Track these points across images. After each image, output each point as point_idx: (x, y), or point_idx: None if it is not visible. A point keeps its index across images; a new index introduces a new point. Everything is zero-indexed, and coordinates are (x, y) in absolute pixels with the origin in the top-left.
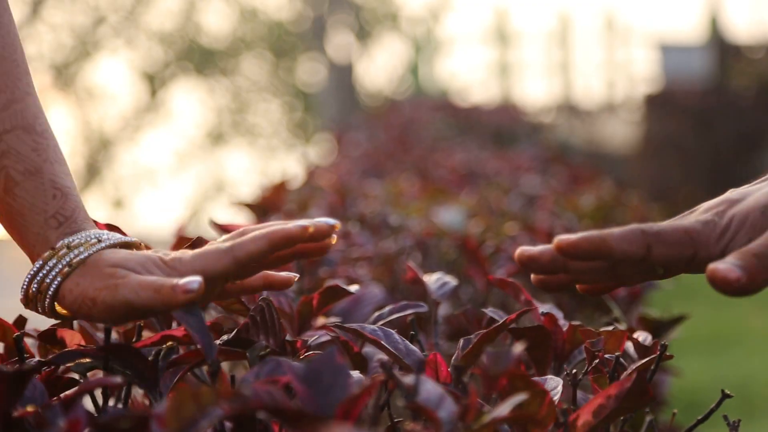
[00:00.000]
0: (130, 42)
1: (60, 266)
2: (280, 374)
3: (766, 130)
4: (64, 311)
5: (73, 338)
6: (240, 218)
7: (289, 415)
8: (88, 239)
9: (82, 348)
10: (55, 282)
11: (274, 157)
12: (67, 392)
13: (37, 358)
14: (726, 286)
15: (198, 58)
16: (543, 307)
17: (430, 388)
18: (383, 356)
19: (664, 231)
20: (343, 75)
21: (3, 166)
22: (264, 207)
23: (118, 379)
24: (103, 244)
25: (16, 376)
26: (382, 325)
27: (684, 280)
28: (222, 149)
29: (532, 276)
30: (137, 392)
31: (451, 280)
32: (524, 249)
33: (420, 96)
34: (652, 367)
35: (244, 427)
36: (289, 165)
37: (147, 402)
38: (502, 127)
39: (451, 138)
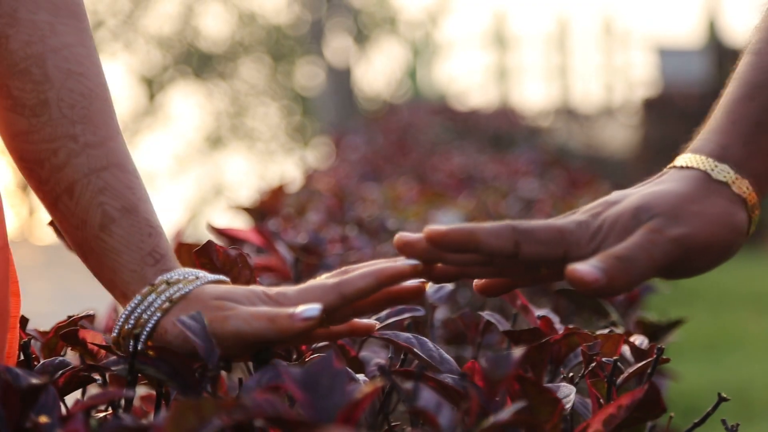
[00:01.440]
0: (129, 46)
1: (159, 301)
2: (282, 381)
3: None
4: (155, 348)
5: (95, 338)
6: (238, 222)
7: (290, 424)
8: (187, 276)
9: (122, 354)
10: (155, 317)
11: (273, 160)
12: (76, 406)
13: (78, 360)
14: (584, 287)
15: (196, 61)
16: (539, 311)
17: (428, 395)
18: (380, 360)
19: (535, 229)
20: (341, 79)
21: (100, 203)
22: (262, 211)
23: (130, 392)
24: (201, 281)
25: (30, 390)
26: (379, 329)
27: (682, 285)
28: (220, 153)
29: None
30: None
31: (448, 284)
32: (402, 235)
33: (418, 100)
34: (649, 371)
35: None
36: (288, 169)
37: (146, 409)
38: (500, 130)
39: (450, 142)
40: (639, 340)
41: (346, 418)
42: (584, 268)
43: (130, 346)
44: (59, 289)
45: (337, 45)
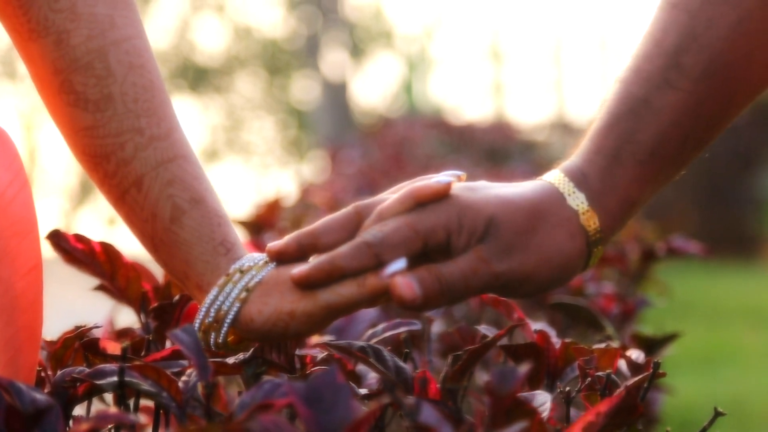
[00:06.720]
0: None
1: (236, 291)
2: (279, 396)
3: (761, 148)
4: (236, 341)
5: (115, 349)
6: None
7: None
8: (257, 261)
9: (118, 366)
10: (234, 308)
11: (269, 174)
12: (78, 426)
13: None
14: (400, 301)
15: (192, 75)
16: (535, 325)
17: (428, 411)
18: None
19: (388, 235)
20: (337, 93)
21: (169, 195)
22: (258, 224)
23: (139, 419)
24: (272, 264)
25: (34, 414)
26: (375, 342)
27: (678, 298)
28: (216, 166)
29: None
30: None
31: None
32: (270, 246)
33: (414, 114)
34: (645, 385)
35: None
36: (284, 182)
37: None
38: (495, 144)
39: (445, 156)
40: (635, 354)
41: None
42: (404, 282)
43: (210, 339)
44: (53, 304)
45: (333, 59)
